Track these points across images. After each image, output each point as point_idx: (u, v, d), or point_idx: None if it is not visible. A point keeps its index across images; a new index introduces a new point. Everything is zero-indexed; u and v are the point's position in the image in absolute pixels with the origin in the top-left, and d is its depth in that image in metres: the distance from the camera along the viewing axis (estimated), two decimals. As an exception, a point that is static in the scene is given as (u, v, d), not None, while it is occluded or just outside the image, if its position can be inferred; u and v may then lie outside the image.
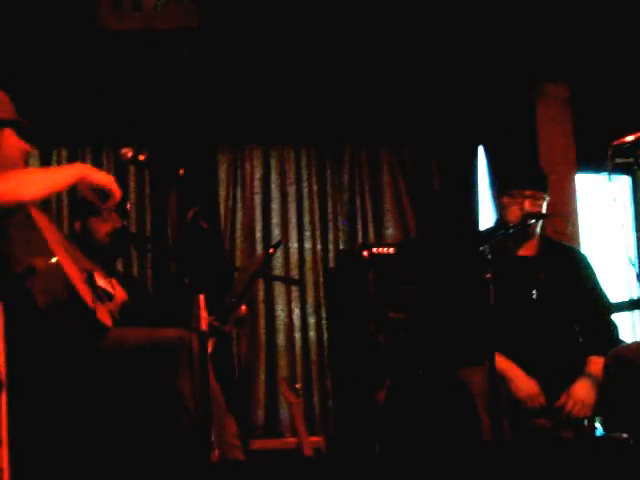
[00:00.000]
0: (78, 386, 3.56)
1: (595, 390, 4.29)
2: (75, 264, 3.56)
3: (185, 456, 3.55)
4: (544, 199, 4.52)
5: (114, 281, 4.11)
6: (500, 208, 4.57)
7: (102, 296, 3.72)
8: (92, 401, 3.61)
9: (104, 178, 3.58)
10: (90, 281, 3.62)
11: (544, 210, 4.52)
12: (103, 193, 3.59)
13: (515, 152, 6.57)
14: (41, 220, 3.47)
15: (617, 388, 4.18)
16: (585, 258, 4.72)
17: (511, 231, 4.40)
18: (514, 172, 4.69)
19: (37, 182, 3.42)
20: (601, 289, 4.64)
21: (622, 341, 4.47)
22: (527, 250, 4.60)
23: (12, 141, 3.71)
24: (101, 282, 3.87)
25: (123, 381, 3.65)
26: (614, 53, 6.41)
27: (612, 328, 4.54)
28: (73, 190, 3.85)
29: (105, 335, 3.55)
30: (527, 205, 4.44)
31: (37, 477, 3.42)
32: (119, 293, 4.06)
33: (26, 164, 3.81)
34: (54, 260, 3.36)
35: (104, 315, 3.58)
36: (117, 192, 3.63)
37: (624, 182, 6.93)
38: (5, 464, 3.06)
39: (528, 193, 4.47)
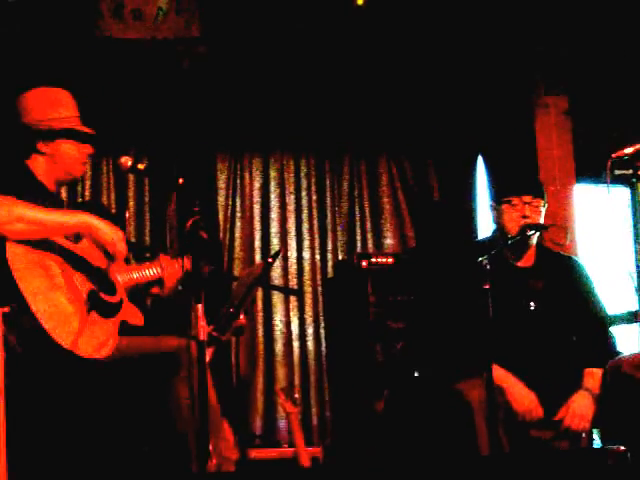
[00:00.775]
0: (77, 393, 3.56)
1: (593, 403, 4.28)
2: (69, 291, 3.49)
3: (182, 465, 3.55)
4: (542, 206, 4.52)
5: (165, 258, 4.07)
6: (498, 216, 4.55)
7: (117, 305, 3.67)
8: (90, 409, 3.60)
9: (109, 236, 3.55)
10: (95, 298, 3.57)
11: (542, 218, 4.51)
12: (106, 250, 3.59)
13: (514, 162, 6.58)
14: (19, 259, 3.36)
15: (614, 400, 4.17)
16: (583, 268, 4.71)
17: (510, 242, 4.39)
18: (511, 179, 4.68)
19: (30, 222, 3.39)
20: (599, 300, 4.63)
21: (620, 352, 4.45)
22: (525, 260, 4.59)
23: (70, 151, 3.71)
24: (138, 275, 3.84)
25: (122, 389, 3.65)
26: (614, 65, 6.43)
27: (609, 339, 4.53)
28: (72, 196, 3.83)
29: (91, 366, 3.50)
30: (526, 211, 4.43)
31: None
32: (172, 271, 4.01)
33: None
34: (21, 305, 3.30)
35: (96, 342, 3.50)
36: (121, 253, 3.61)
37: (623, 194, 6.93)
38: (3, 468, 3.05)
39: (526, 199, 4.46)
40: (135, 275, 4.01)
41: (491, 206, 4.62)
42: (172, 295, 4.20)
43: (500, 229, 4.55)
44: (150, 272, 4.05)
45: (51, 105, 3.75)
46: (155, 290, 4.36)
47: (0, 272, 3.30)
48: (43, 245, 3.47)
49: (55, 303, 3.39)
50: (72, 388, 3.50)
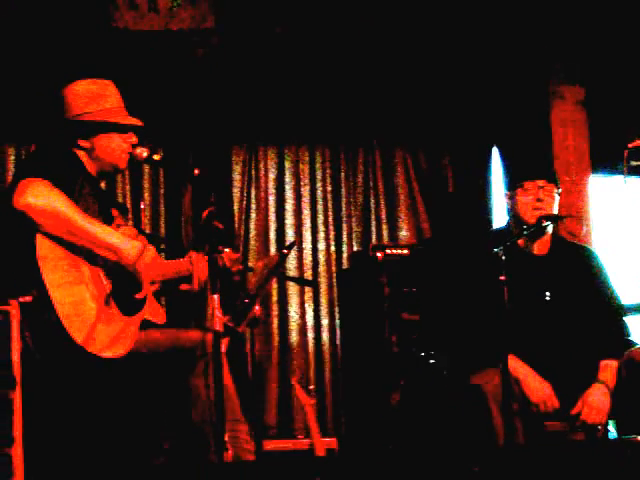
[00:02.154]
0: (89, 387, 3.56)
1: (609, 396, 4.27)
2: (95, 284, 3.49)
3: (199, 456, 3.56)
4: (555, 192, 4.50)
5: (194, 253, 4.07)
6: (512, 203, 4.54)
7: (141, 303, 3.67)
8: (105, 403, 3.61)
9: (136, 269, 3.54)
10: (120, 295, 3.57)
11: (556, 205, 4.51)
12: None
13: (530, 153, 6.56)
14: (47, 249, 3.36)
15: (630, 391, 4.16)
16: (597, 258, 4.69)
17: (525, 233, 4.39)
18: (524, 165, 4.67)
19: (64, 222, 3.37)
20: (613, 290, 4.62)
21: (634, 343, 4.44)
22: (539, 250, 4.58)
23: (110, 144, 3.70)
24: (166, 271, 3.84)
25: (140, 382, 3.66)
26: (630, 55, 6.40)
27: (623, 330, 4.52)
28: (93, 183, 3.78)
29: (104, 366, 3.51)
30: (540, 194, 4.42)
31: (54, 474, 3.43)
32: (200, 267, 4.02)
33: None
34: (41, 295, 3.29)
35: (113, 341, 3.49)
36: (144, 285, 3.58)
37: (639, 185, 6.90)
38: (20, 461, 3.06)
39: (540, 183, 4.46)
40: (165, 271, 4.00)
41: (506, 195, 4.61)
42: (202, 291, 4.21)
43: (515, 217, 4.54)
44: (181, 268, 4.04)
45: (92, 98, 3.74)
46: (185, 286, 4.37)
47: (26, 261, 3.30)
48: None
49: (77, 298, 3.38)
50: (84, 382, 3.50)
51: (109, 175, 3.85)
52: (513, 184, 4.54)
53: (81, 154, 3.70)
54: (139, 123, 3.79)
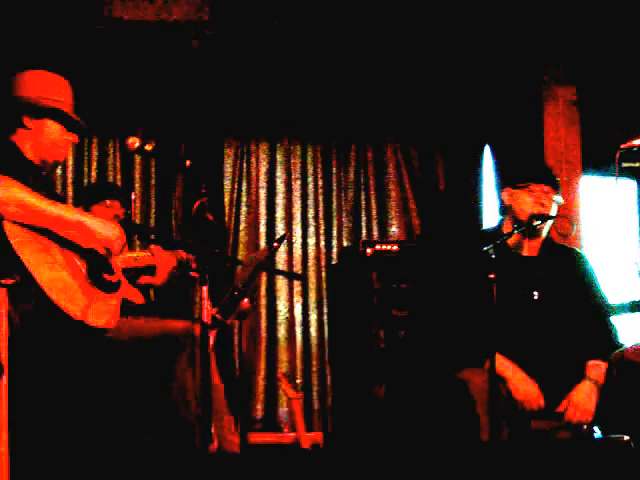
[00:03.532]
0: (80, 375, 3.56)
1: (595, 395, 4.28)
2: (68, 265, 3.50)
3: (184, 447, 3.56)
4: (556, 203, 4.50)
5: (158, 248, 4.08)
6: (510, 200, 4.52)
7: (116, 285, 3.68)
8: (94, 390, 3.61)
9: (106, 236, 3.55)
10: (96, 275, 3.58)
11: (553, 212, 4.51)
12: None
13: (522, 153, 6.57)
14: (17, 233, 3.34)
15: (619, 389, 4.17)
16: (586, 261, 4.70)
17: (515, 232, 4.39)
18: (532, 166, 4.66)
19: (25, 207, 3.37)
20: (601, 293, 4.62)
21: (621, 344, 4.45)
22: (530, 251, 4.59)
23: (54, 132, 3.70)
24: (133, 260, 3.85)
25: (124, 372, 3.65)
26: (623, 56, 6.41)
27: (610, 331, 4.52)
28: (78, 177, 3.82)
29: (100, 336, 3.50)
30: (542, 199, 4.42)
31: (38, 463, 3.43)
32: (165, 260, 4.03)
33: None
34: (25, 277, 3.29)
35: (102, 313, 3.51)
36: (116, 251, 3.61)
37: (630, 186, 6.92)
38: (4, 448, 3.06)
39: (545, 189, 4.46)
40: (128, 259, 4.02)
41: (504, 191, 4.57)
42: (167, 284, 4.22)
43: (512, 214, 4.53)
44: (141, 259, 4.06)
45: (47, 85, 3.74)
46: (147, 279, 4.39)
47: (0, 248, 3.29)
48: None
49: (58, 277, 3.38)
50: (81, 362, 3.51)
51: (49, 167, 3.83)
52: (516, 183, 4.52)
53: (25, 137, 3.68)
54: (85, 125, 3.80)
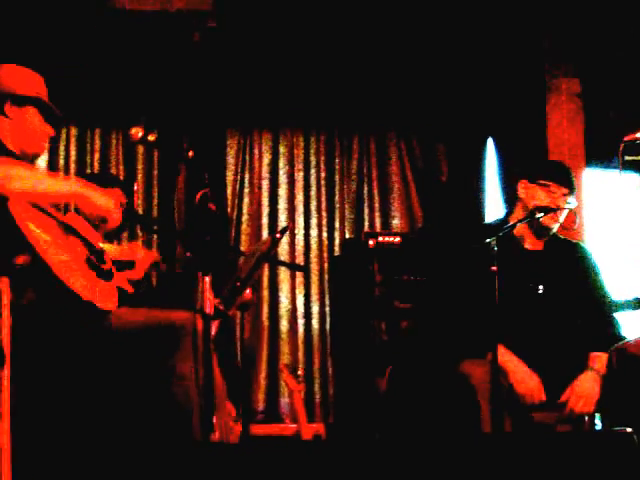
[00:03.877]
0: (79, 365, 3.56)
1: (598, 386, 4.28)
2: (70, 249, 3.52)
3: (184, 437, 3.56)
4: (569, 202, 4.49)
5: (137, 244, 4.11)
6: (525, 194, 4.49)
7: (110, 272, 3.71)
8: (93, 380, 3.61)
9: (103, 204, 3.56)
10: (92, 261, 3.61)
11: (563, 217, 4.51)
12: (100, 217, 3.61)
13: (525, 146, 6.56)
14: (24, 213, 3.39)
15: (620, 382, 4.17)
16: (590, 255, 4.70)
17: (518, 225, 4.38)
18: (557, 167, 4.64)
19: (29, 180, 3.40)
20: (603, 286, 4.62)
21: (623, 337, 4.45)
22: (533, 245, 4.58)
23: (34, 121, 3.71)
24: (117, 254, 3.87)
25: (125, 361, 3.66)
26: (627, 49, 6.40)
27: (613, 325, 4.53)
28: (80, 167, 3.83)
29: (105, 317, 3.52)
30: (560, 202, 4.42)
31: (38, 455, 3.43)
32: (145, 256, 4.07)
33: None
34: (34, 256, 3.31)
35: (103, 297, 3.54)
36: (114, 220, 3.63)
37: (633, 180, 6.90)
38: (6, 439, 3.06)
39: (564, 191, 4.45)
40: (112, 251, 4.05)
41: (521, 183, 4.54)
42: (145, 280, 4.24)
43: (523, 206, 4.50)
44: (122, 253, 4.09)
45: (25, 77, 3.75)
46: (128, 273, 4.42)
47: (7, 225, 3.31)
48: (39, 210, 3.49)
49: (63, 259, 3.41)
50: (86, 345, 3.52)
51: (29, 159, 3.84)
52: (537, 178, 4.49)
53: (4, 126, 3.68)
54: (60, 114, 3.81)
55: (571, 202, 4.48)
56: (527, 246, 4.57)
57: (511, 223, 4.40)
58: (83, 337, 3.50)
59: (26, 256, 3.30)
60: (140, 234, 6.59)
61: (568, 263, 4.59)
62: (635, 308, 4.83)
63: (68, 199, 3.54)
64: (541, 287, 4.49)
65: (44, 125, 3.75)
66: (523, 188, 4.52)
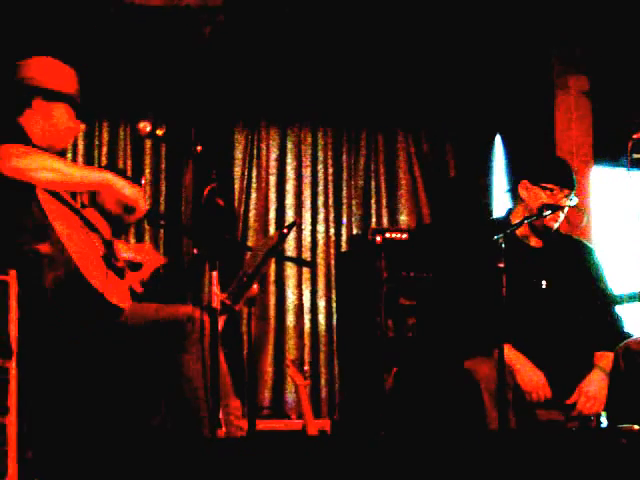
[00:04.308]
0: (87, 359, 3.57)
1: (605, 386, 4.28)
2: (89, 244, 3.54)
3: (191, 432, 3.56)
4: (570, 200, 4.48)
5: (147, 246, 4.11)
6: (526, 195, 4.49)
7: (123, 271, 3.72)
8: (100, 374, 3.62)
9: (133, 193, 3.57)
10: (108, 258, 3.61)
11: (562, 217, 4.50)
12: (127, 207, 3.61)
13: (533, 143, 6.56)
14: (50, 204, 3.42)
15: (626, 380, 4.17)
16: (593, 252, 4.69)
17: (526, 222, 4.38)
18: (557, 168, 4.63)
19: (59, 170, 3.42)
20: (606, 283, 4.62)
21: (627, 333, 4.44)
22: (537, 242, 4.58)
23: (63, 117, 3.71)
24: (126, 254, 3.88)
25: (131, 356, 3.66)
26: (636, 46, 6.39)
27: (615, 321, 4.52)
28: (88, 161, 3.83)
29: (118, 315, 3.53)
30: (562, 203, 4.41)
31: (45, 446, 3.44)
32: (152, 258, 4.08)
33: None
34: (57, 245, 3.32)
35: (119, 294, 3.56)
36: (142, 209, 3.64)
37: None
38: (13, 431, 3.07)
39: (565, 192, 4.44)
40: (123, 250, 4.06)
41: (521, 184, 4.53)
42: (150, 281, 4.24)
43: (525, 207, 4.50)
44: (130, 254, 4.09)
45: (58, 72, 3.75)
46: (136, 274, 4.44)
47: (36, 212, 3.33)
48: (63, 203, 3.50)
49: (84, 252, 3.43)
50: (100, 337, 3.53)
51: (55, 153, 3.85)
52: (538, 180, 4.48)
53: (33, 120, 3.69)
54: (91, 115, 3.83)
55: (572, 200, 4.47)
56: (529, 243, 4.57)
57: (519, 221, 4.39)
58: (99, 332, 3.51)
59: (48, 245, 3.32)
60: (147, 228, 6.60)
61: (571, 260, 4.59)
62: (640, 302, 4.84)
63: (97, 187, 3.54)
64: (544, 282, 4.49)
65: (74, 121, 3.75)
66: (524, 189, 4.51)
